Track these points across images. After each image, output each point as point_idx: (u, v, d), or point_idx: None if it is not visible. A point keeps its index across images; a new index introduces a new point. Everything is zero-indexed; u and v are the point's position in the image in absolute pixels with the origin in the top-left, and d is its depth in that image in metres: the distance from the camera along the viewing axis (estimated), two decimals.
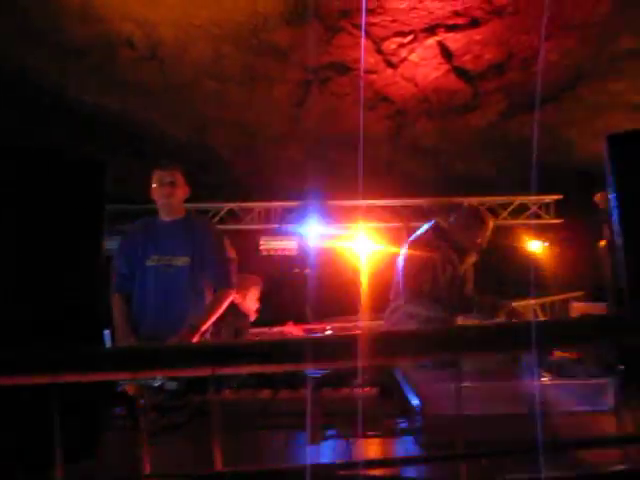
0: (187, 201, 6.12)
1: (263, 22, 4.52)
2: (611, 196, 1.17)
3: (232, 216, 6.05)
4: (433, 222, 2.80)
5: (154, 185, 2.61)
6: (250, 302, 3.62)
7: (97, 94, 5.04)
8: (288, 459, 1.08)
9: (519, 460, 0.85)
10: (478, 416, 1.05)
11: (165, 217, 2.66)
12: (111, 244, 2.88)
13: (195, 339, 2.40)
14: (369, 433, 1.14)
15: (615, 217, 1.14)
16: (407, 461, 0.93)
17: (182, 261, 2.58)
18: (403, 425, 1.16)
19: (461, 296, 2.67)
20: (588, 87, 4.38)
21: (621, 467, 0.88)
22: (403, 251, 2.83)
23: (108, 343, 1.66)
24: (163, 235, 2.62)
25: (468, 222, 2.71)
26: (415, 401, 1.15)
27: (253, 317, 3.59)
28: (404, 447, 1.05)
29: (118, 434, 1.29)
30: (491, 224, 2.72)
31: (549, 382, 1.29)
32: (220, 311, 2.53)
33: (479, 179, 5.81)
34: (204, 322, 2.44)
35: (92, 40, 4.57)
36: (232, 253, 2.65)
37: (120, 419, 1.45)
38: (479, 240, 2.67)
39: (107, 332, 1.67)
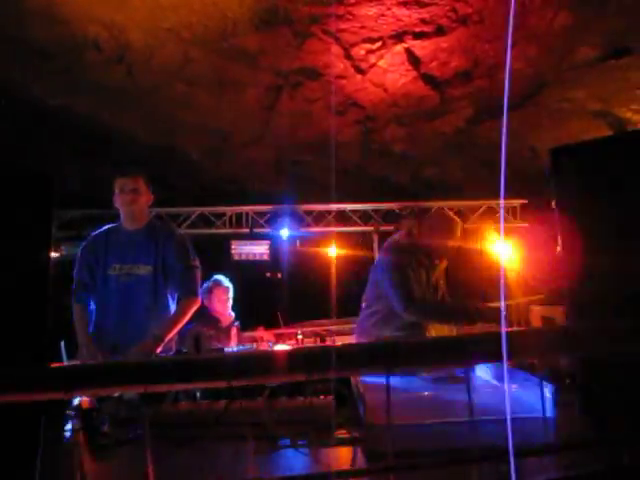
0: (158, 205, 6.06)
1: (232, 27, 4.51)
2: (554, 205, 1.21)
3: (203, 220, 6.00)
4: (404, 229, 2.84)
5: (116, 192, 2.58)
6: (218, 305, 3.58)
7: (63, 96, 4.95)
8: (238, 471, 1.08)
9: (458, 470, 0.87)
10: (420, 425, 1.08)
11: (128, 225, 2.62)
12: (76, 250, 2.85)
13: (158, 349, 2.38)
14: (320, 442, 1.16)
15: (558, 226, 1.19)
16: (354, 473, 0.95)
17: (144, 270, 2.55)
18: (353, 435, 1.17)
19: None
20: (551, 95, 4.51)
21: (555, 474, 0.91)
22: (380, 257, 2.86)
23: (64, 355, 1.63)
24: (125, 243, 2.58)
25: (438, 227, 2.74)
26: (361, 410, 1.17)
27: (226, 322, 3.55)
28: (352, 457, 1.07)
29: (69, 449, 1.28)
30: (460, 229, 2.76)
31: (491, 389, 1.32)
32: (184, 320, 2.51)
33: (449, 183, 5.91)
34: (168, 332, 2.41)
35: (58, 42, 4.49)
36: (196, 261, 2.62)
37: (74, 433, 1.42)
38: (449, 245, 2.70)
39: (62, 343, 1.64)
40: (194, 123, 5.21)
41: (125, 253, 2.57)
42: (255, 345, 2.93)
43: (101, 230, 2.73)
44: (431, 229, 2.73)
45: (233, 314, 3.67)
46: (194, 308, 2.53)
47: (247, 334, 4.77)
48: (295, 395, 1.37)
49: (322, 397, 1.34)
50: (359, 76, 4.83)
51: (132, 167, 2.68)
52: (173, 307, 2.61)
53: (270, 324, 4.69)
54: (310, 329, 4.87)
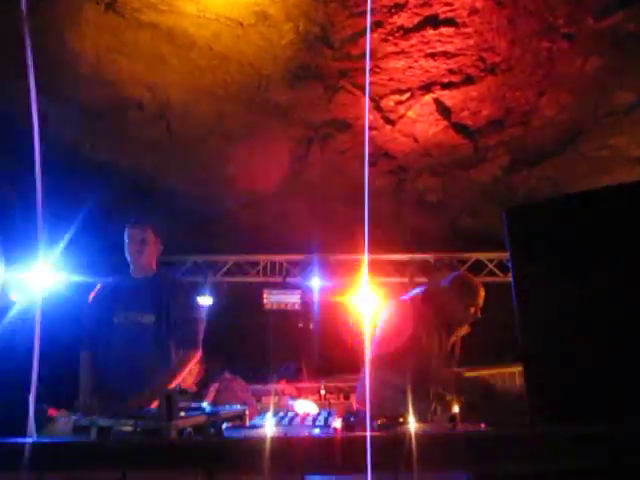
0: (193, 253, 6.21)
1: (266, 83, 4.69)
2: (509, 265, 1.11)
3: (237, 268, 6.07)
4: (423, 289, 2.68)
5: (126, 242, 2.65)
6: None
7: (109, 152, 5.29)
8: None
9: None
10: None
11: (135, 274, 2.67)
12: None
13: (156, 404, 2.34)
14: None
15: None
16: None
17: (148, 319, 2.57)
18: None
19: (444, 372, 2.51)
20: (589, 142, 4.28)
21: None
22: (389, 309, 2.72)
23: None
24: (131, 292, 2.63)
25: (460, 291, 2.53)
26: None
27: (193, 388, 3.41)
28: None
29: None
30: (483, 292, 2.57)
31: None
32: (184, 372, 2.48)
33: (488, 234, 5.66)
34: (167, 386, 2.38)
35: (105, 102, 4.85)
36: (200, 313, 2.62)
37: None
38: (472, 310, 2.50)
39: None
40: (228, 174, 5.37)
41: (131, 302, 2.61)
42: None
43: (109, 278, 2.80)
44: (452, 293, 2.54)
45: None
46: (194, 360, 2.50)
47: (270, 386, 4.68)
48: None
49: None
50: (389, 127, 4.83)
51: (141, 218, 2.75)
52: (175, 357, 2.59)
53: (294, 377, 4.57)
54: (334, 384, 4.68)
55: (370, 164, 5.23)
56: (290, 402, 4.16)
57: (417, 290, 2.76)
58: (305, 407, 4.13)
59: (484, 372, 4.77)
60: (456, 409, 2.35)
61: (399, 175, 5.36)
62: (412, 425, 1.79)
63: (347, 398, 4.43)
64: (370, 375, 2.59)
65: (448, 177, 5.29)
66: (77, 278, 4.93)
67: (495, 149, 4.84)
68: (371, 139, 4.99)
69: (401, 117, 4.74)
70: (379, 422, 1.76)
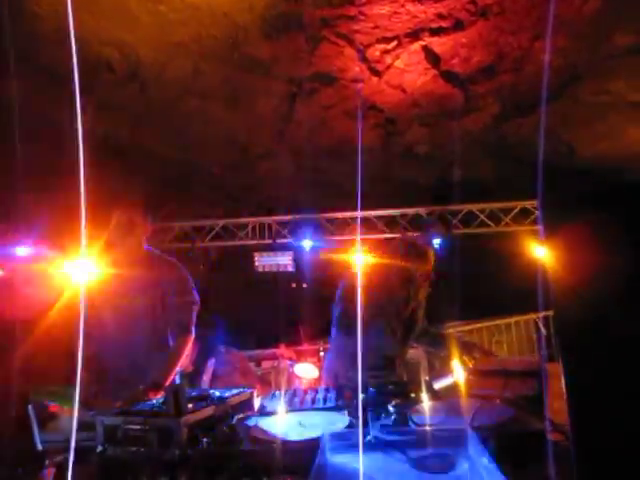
0: (179, 219, 6.04)
1: (243, 36, 4.39)
2: None
3: (227, 232, 5.94)
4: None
5: (113, 224, 2.51)
6: None
7: (81, 120, 4.98)
8: None
9: None
10: None
11: (126, 257, 2.55)
12: None
13: (159, 394, 2.29)
14: None
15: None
16: None
17: (142, 303, 2.48)
18: None
19: (415, 324, 2.58)
20: (586, 87, 4.12)
21: None
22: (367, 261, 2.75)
23: (33, 419, 1.54)
24: (124, 275, 2.51)
25: (406, 254, 2.59)
26: None
27: (189, 367, 3.35)
28: None
29: None
30: (430, 255, 2.66)
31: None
32: (181, 359, 2.42)
33: (479, 184, 5.59)
34: (167, 377, 2.33)
35: (71, 65, 4.51)
36: (194, 297, 2.53)
37: None
38: (421, 271, 2.56)
39: (30, 407, 1.55)
40: (210, 136, 5.14)
41: (124, 285, 2.51)
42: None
43: (101, 261, 2.68)
44: (401, 256, 2.61)
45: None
46: (188, 346, 2.44)
47: (269, 351, 4.69)
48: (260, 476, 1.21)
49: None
50: (375, 78, 4.60)
51: (128, 198, 2.60)
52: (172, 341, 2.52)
53: (292, 340, 4.57)
54: None
55: (356, 118, 5.03)
56: (290, 365, 4.19)
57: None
58: (306, 371, 4.16)
59: (480, 325, 4.86)
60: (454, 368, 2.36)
61: (387, 128, 5.18)
62: (426, 402, 1.76)
63: None
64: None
65: (437, 128, 5.13)
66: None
67: (486, 97, 4.67)
68: (357, 92, 4.76)
69: (388, 67, 4.51)
70: (394, 403, 1.73)
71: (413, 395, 1.84)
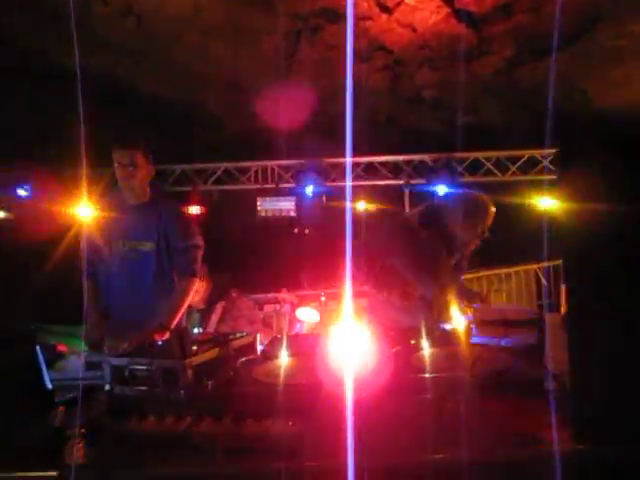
0: (183, 162, 5.95)
1: None
2: None
3: (229, 176, 5.86)
4: (426, 204, 2.61)
5: (115, 165, 2.45)
6: None
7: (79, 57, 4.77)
8: None
9: None
10: None
11: (129, 200, 2.50)
12: None
13: (166, 336, 2.33)
14: None
15: None
16: None
17: (147, 247, 2.46)
18: None
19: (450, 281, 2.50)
20: (605, 30, 3.92)
21: None
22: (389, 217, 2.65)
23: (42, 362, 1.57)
24: (128, 219, 2.48)
25: (468, 211, 2.40)
26: None
27: (201, 305, 3.36)
28: None
29: None
30: (493, 211, 2.46)
31: None
32: (186, 303, 2.43)
33: (486, 131, 5.44)
34: (172, 319, 2.34)
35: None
36: (199, 240, 2.51)
37: None
38: (479, 230, 2.39)
39: (38, 348, 1.58)
40: (211, 75, 4.96)
41: (128, 229, 2.48)
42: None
43: (104, 202, 2.64)
44: (460, 213, 2.43)
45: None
46: (193, 289, 2.45)
47: (271, 295, 4.75)
48: (265, 418, 1.24)
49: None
50: (385, 16, 4.37)
51: (130, 138, 2.51)
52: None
53: (295, 284, 4.62)
54: (335, 290, 4.77)
55: (364, 59, 4.83)
56: (291, 309, 4.25)
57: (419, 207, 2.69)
58: (307, 315, 4.24)
59: (480, 274, 4.89)
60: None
61: (395, 70, 4.98)
62: (427, 350, 1.78)
63: None
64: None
65: (447, 71, 4.93)
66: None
67: (500, 39, 4.46)
68: (365, 31, 4.54)
69: (399, 4, 4.27)
70: (394, 350, 1.75)
71: (413, 342, 1.86)
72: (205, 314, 3.20)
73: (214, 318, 3.13)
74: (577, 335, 1.13)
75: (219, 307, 3.17)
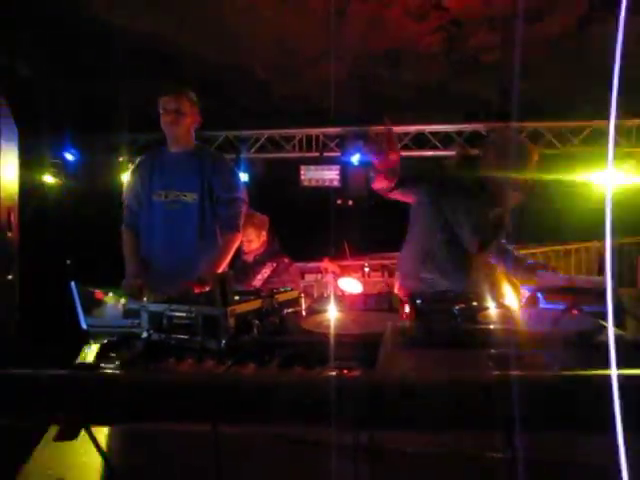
0: (225, 128, 5.87)
1: None
2: None
3: (272, 144, 5.73)
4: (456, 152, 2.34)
5: (160, 112, 2.35)
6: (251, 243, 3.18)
7: (124, 16, 4.71)
8: None
9: None
10: None
11: (173, 148, 2.40)
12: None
13: (204, 289, 2.23)
14: None
15: None
16: None
17: (190, 197, 2.36)
18: None
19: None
20: None
21: None
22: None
23: (76, 298, 1.48)
24: (170, 168, 2.39)
25: (504, 150, 2.07)
26: None
27: (249, 258, 3.20)
28: None
29: None
30: (534, 156, 2.14)
31: None
32: (228, 258, 2.32)
33: (547, 101, 5.05)
34: (212, 274, 2.24)
35: None
36: (243, 193, 2.38)
37: None
38: (518, 178, 2.05)
39: (73, 284, 1.49)
40: (258, 35, 4.80)
41: (170, 179, 2.38)
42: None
43: (147, 153, 2.56)
44: (495, 153, 2.13)
45: (274, 251, 3.23)
46: (236, 244, 2.33)
47: (312, 264, 4.63)
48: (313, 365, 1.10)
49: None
50: None
51: (177, 85, 2.40)
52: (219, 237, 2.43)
53: (337, 255, 4.46)
54: (378, 262, 4.59)
55: (418, 18, 4.54)
56: (333, 278, 4.11)
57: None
58: (350, 285, 4.08)
59: (538, 250, 4.58)
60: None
61: (451, 31, 4.67)
62: (493, 309, 1.59)
63: (392, 275, 4.34)
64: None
65: (508, 32, 4.56)
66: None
67: None
68: None
69: None
70: (458, 307, 1.57)
71: (476, 303, 1.68)
72: (251, 269, 3.09)
73: (259, 277, 3.02)
74: None
75: (268, 266, 3.06)
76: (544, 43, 4.56)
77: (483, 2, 4.29)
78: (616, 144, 5.04)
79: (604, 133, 5.03)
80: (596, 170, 4.79)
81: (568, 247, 4.86)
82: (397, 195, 2.09)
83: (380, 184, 2.02)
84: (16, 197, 1.94)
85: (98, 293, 2.11)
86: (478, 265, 2.14)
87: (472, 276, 2.10)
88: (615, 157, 4.89)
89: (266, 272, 3.04)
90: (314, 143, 5.56)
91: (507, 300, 2.06)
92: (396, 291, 2.28)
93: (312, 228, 5.29)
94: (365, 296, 1.88)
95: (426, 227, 2.12)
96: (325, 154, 5.46)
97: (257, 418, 0.85)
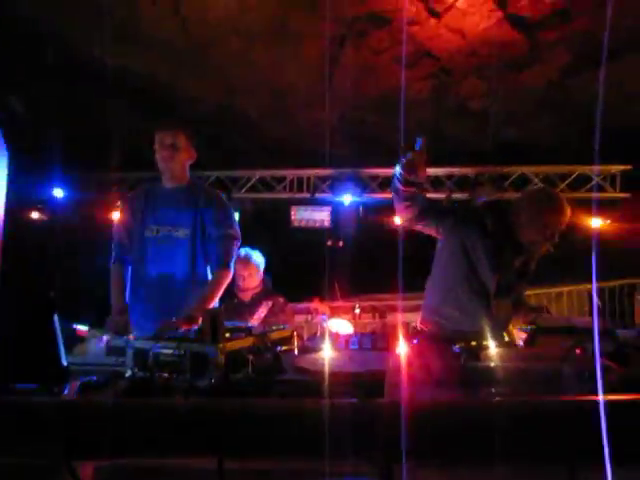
0: (217, 168, 5.89)
1: None
2: None
3: (263, 184, 5.75)
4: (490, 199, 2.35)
5: (156, 147, 2.34)
6: (237, 279, 3.15)
7: (120, 56, 4.80)
8: None
9: None
10: None
11: (167, 183, 2.38)
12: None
13: (192, 327, 2.15)
14: None
15: None
16: None
17: (182, 233, 2.32)
18: None
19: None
20: None
21: None
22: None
23: (58, 330, 1.40)
24: (163, 203, 2.35)
25: (537, 207, 2.06)
26: None
27: (246, 297, 3.16)
28: None
29: None
30: (568, 212, 2.06)
31: None
32: (218, 295, 2.26)
33: (534, 146, 5.19)
34: (202, 311, 2.17)
35: None
36: (235, 230, 2.34)
37: None
38: (548, 232, 2.02)
39: (55, 317, 1.41)
40: (252, 80, 4.90)
41: (163, 214, 2.34)
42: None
43: (140, 188, 2.53)
44: (528, 207, 2.06)
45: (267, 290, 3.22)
46: (226, 281, 2.26)
47: (301, 305, 4.55)
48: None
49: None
50: (433, 20, 4.24)
51: (173, 120, 2.41)
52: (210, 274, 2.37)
53: (328, 295, 4.40)
54: (369, 303, 4.53)
55: (408, 66, 4.70)
56: (323, 319, 4.03)
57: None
58: (340, 326, 4.00)
59: (530, 292, 4.57)
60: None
61: (441, 78, 4.82)
62: (494, 350, 1.55)
63: (383, 317, 4.29)
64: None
65: (496, 81, 4.74)
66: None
67: (555, 46, 4.27)
68: (411, 36, 4.42)
69: (448, 8, 4.14)
70: (458, 345, 1.53)
71: (474, 343, 1.64)
72: (247, 308, 3.03)
73: (256, 317, 2.95)
74: None
75: (264, 306, 3.00)
76: (528, 92, 4.72)
77: (470, 53, 4.47)
78: (600, 189, 5.17)
79: (590, 178, 5.15)
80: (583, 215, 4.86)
81: (560, 290, 4.87)
82: (419, 227, 2.11)
83: (400, 213, 2.07)
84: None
85: (80, 330, 2.02)
86: (500, 305, 2.11)
87: (492, 315, 2.07)
88: (604, 202, 4.99)
89: (263, 311, 2.97)
90: (305, 184, 5.60)
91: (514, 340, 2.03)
92: (419, 324, 2.25)
93: (302, 268, 5.25)
94: (360, 335, 1.83)
95: (448, 262, 2.13)
96: (316, 195, 5.49)
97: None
